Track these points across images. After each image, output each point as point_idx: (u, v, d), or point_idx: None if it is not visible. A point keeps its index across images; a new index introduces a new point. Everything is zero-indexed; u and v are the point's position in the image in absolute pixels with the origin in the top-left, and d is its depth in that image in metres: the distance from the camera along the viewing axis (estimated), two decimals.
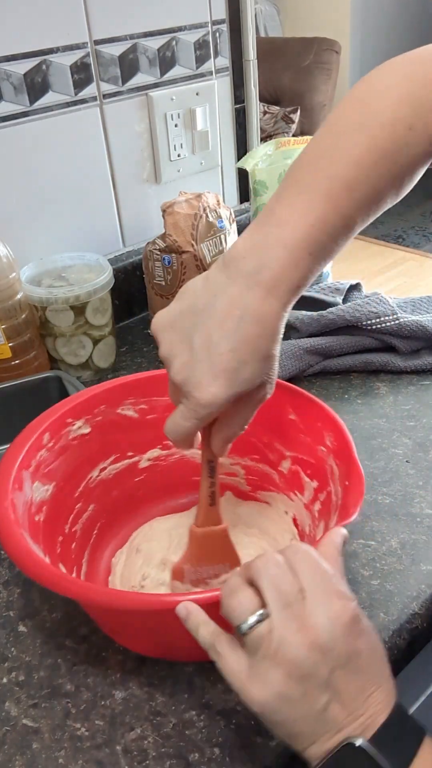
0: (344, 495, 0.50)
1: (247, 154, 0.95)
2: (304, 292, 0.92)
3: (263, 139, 1.08)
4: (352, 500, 0.48)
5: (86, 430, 0.60)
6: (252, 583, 0.38)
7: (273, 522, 0.62)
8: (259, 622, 0.36)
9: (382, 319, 0.82)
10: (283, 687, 0.36)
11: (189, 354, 0.45)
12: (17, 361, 0.80)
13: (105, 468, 0.62)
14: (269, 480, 0.63)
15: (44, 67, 0.84)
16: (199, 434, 0.50)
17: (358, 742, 0.35)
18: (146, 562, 0.59)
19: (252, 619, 0.36)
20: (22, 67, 0.82)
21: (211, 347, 0.44)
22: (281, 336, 0.46)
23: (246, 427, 0.50)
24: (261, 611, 0.36)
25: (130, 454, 0.64)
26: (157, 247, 0.90)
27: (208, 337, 0.44)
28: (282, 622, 0.36)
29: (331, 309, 0.84)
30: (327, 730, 0.36)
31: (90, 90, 0.89)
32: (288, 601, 0.36)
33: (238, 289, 0.44)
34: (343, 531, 0.43)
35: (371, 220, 0.48)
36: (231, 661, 0.38)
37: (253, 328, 0.44)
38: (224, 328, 0.44)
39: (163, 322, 0.47)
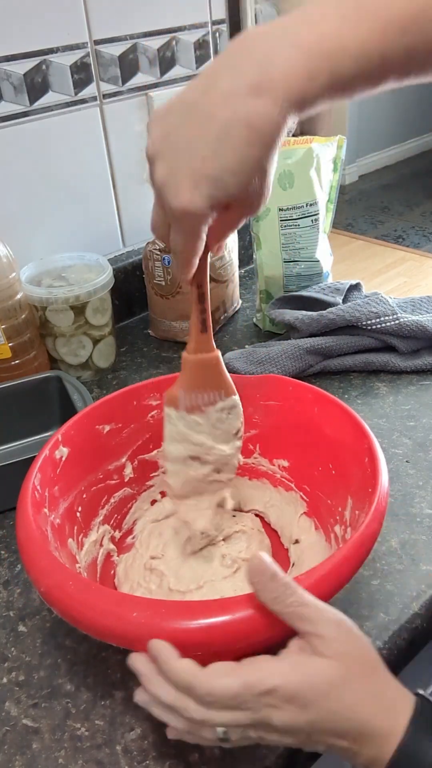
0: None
1: None
2: (304, 292, 0.92)
3: None
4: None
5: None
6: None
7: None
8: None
9: (382, 319, 0.82)
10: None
11: (171, 154, 0.40)
12: (17, 361, 0.80)
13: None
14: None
15: (44, 67, 0.84)
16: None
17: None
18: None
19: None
20: (22, 67, 0.82)
21: (193, 150, 0.39)
22: (276, 150, 0.40)
23: (229, 234, 0.45)
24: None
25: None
26: (157, 247, 0.90)
27: (193, 138, 0.39)
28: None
29: (331, 309, 0.84)
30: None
31: (90, 90, 0.89)
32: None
33: (233, 85, 0.38)
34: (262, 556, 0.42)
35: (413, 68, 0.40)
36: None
37: (243, 132, 0.38)
38: (210, 129, 0.38)
39: (157, 114, 0.41)
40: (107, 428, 0.62)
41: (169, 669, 0.39)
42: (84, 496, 0.59)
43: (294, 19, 0.39)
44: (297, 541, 0.60)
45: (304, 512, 0.62)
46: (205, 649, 0.40)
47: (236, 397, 0.55)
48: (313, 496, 0.62)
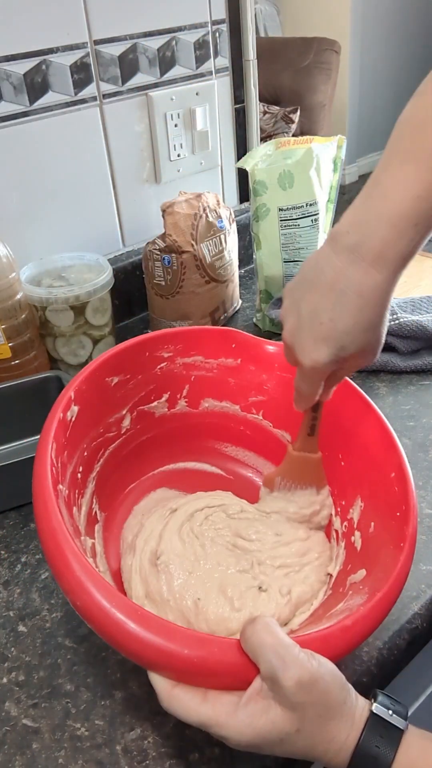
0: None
1: (247, 154, 0.95)
2: None
3: (263, 139, 1.07)
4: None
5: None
6: None
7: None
8: None
9: None
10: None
11: (296, 320, 0.49)
12: (17, 361, 0.80)
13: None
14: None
15: (44, 67, 0.84)
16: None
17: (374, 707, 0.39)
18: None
19: None
20: (22, 67, 0.82)
21: (314, 317, 0.48)
22: (387, 307, 0.47)
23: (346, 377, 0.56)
24: None
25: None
26: (157, 247, 0.90)
27: (314, 307, 0.48)
28: None
29: None
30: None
31: (90, 90, 0.89)
32: None
33: (342, 264, 0.46)
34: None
35: None
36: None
37: (355, 301, 0.46)
38: (328, 300, 0.47)
39: (287, 288, 0.52)
40: (115, 380, 0.61)
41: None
42: (85, 454, 0.57)
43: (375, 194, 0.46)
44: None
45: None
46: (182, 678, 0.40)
47: (326, 490, 0.61)
48: None
